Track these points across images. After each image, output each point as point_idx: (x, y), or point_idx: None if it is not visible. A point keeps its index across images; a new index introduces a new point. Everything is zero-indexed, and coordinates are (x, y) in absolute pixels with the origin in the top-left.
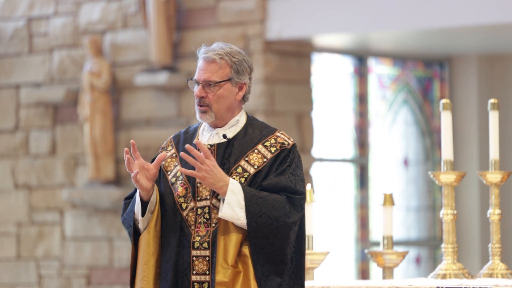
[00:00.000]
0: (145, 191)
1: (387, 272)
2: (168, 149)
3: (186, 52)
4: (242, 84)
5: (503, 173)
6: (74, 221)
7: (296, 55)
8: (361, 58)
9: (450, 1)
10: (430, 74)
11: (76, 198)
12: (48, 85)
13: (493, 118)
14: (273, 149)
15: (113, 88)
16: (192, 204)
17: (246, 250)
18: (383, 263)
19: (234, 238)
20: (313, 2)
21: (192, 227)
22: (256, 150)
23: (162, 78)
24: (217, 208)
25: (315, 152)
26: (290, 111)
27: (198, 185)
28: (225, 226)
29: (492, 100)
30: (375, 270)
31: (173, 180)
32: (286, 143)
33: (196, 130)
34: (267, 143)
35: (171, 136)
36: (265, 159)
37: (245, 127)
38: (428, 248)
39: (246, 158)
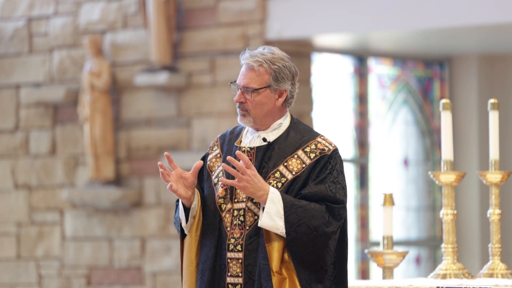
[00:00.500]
0: (185, 200)
1: (387, 272)
2: (214, 149)
3: (186, 52)
4: (282, 91)
5: (503, 173)
6: (74, 221)
7: (296, 55)
8: (361, 58)
9: (450, 1)
10: (430, 74)
11: (76, 198)
12: (48, 85)
13: (493, 118)
14: (312, 155)
15: (113, 88)
16: (229, 206)
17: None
18: (383, 263)
19: (276, 245)
20: (313, 2)
21: (228, 229)
22: (295, 156)
23: (162, 78)
24: (252, 212)
25: None
26: (290, 111)
27: (236, 187)
28: (268, 233)
29: (492, 100)
30: (375, 270)
31: (216, 180)
32: (326, 149)
33: (241, 131)
34: (307, 149)
35: (218, 135)
36: (303, 165)
37: (288, 131)
38: (428, 248)
39: (285, 164)
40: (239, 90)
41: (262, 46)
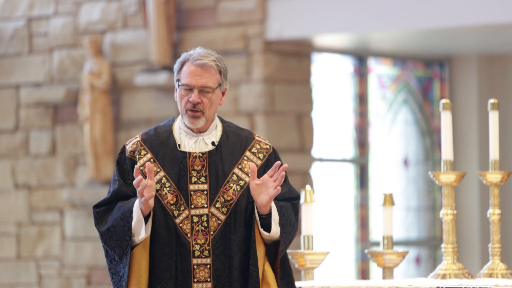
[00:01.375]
0: (148, 209)
1: (387, 272)
2: (142, 153)
3: None
4: (224, 90)
5: (503, 173)
6: (74, 221)
7: (296, 55)
8: (361, 58)
9: (450, 1)
10: (430, 74)
11: (76, 198)
12: (48, 85)
13: (493, 118)
14: (261, 156)
15: (113, 88)
16: (186, 212)
17: (267, 268)
18: (383, 263)
19: (262, 252)
20: (313, 2)
21: (189, 235)
22: (245, 158)
23: (162, 78)
24: (216, 216)
25: (315, 152)
26: (290, 111)
27: (192, 193)
28: (258, 240)
29: (492, 100)
30: (375, 270)
31: (158, 186)
32: (268, 146)
33: (169, 133)
34: (254, 150)
35: (138, 139)
36: (256, 166)
37: (225, 131)
38: (428, 248)
39: (240, 166)
40: (192, 90)
41: (199, 47)
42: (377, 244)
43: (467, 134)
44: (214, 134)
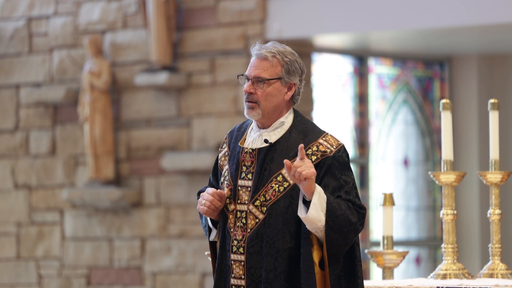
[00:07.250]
0: (213, 217)
1: (387, 272)
2: (223, 147)
3: (186, 52)
4: (292, 85)
5: (503, 173)
6: (74, 221)
7: None
8: (361, 58)
9: (450, 1)
10: (430, 74)
11: (76, 198)
12: (48, 85)
13: (493, 118)
14: (313, 158)
15: (113, 88)
16: (232, 207)
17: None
18: (383, 263)
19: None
20: (313, 2)
21: (232, 230)
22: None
23: (162, 78)
24: (253, 214)
25: None
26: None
27: (239, 188)
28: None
29: (492, 100)
30: (375, 270)
31: (222, 179)
32: (328, 150)
33: (247, 128)
34: (309, 151)
35: (228, 132)
36: None
37: (290, 130)
38: (428, 248)
39: None
40: (249, 81)
41: (272, 42)
42: (377, 244)
43: (467, 134)
44: (277, 132)
